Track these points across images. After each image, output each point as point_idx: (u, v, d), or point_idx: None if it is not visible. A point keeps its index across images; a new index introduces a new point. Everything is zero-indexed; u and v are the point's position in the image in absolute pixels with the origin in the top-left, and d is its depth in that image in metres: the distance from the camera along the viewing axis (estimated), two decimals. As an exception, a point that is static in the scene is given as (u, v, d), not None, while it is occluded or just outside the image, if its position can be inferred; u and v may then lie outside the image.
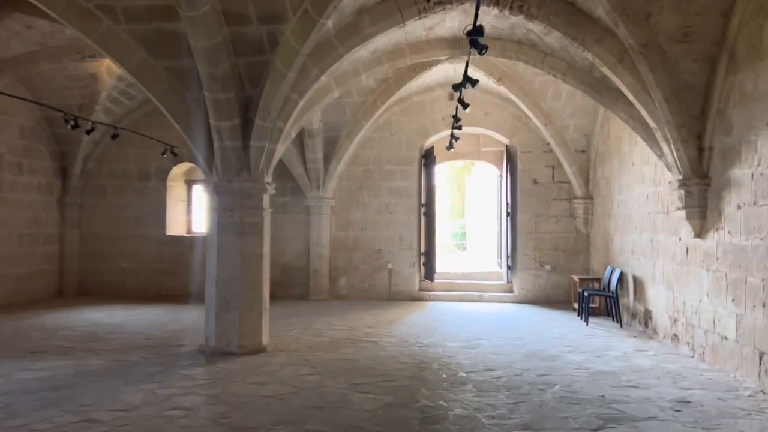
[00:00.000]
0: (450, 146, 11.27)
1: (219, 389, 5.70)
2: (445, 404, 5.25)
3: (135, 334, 8.50)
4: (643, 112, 7.16)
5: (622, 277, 9.58)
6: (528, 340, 8.18)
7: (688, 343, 7.29)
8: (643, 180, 8.90)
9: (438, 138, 12.64)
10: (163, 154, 11.72)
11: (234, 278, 7.21)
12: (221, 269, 7.22)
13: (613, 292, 9.56)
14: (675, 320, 7.71)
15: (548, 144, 11.84)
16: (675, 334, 7.70)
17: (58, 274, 12.56)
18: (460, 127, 10.04)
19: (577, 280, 10.92)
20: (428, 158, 12.67)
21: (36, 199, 11.94)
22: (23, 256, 11.54)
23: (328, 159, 12.05)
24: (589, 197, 11.71)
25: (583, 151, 11.55)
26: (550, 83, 10.63)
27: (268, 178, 7.58)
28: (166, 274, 12.76)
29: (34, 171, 11.84)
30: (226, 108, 6.82)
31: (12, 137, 11.26)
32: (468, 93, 8.58)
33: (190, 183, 13.45)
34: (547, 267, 12.07)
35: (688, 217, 6.97)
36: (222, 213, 7.28)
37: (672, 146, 6.89)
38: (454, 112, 9.04)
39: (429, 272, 12.59)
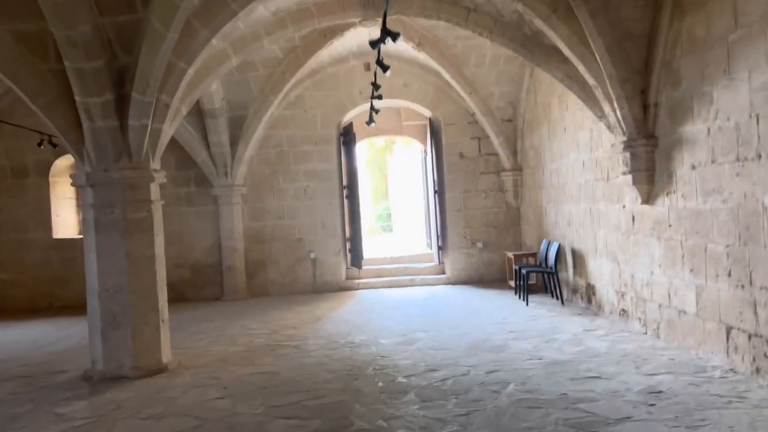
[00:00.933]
0: (370, 120, 10.30)
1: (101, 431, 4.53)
2: (385, 425, 4.32)
3: (8, 360, 7.07)
4: (581, 68, 6.45)
5: (559, 251, 9.00)
6: (468, 327, 7.41)
7: (640, 319, 6.73)
8: (578, 146, 8.28)
9: (357, 113, 11.65)
10: (39, 145, 10.06)
11: (121, 287, 5.97)
12: (104, 277, 5.96)
13: (551, 268, 8.96)
14: (623, 294, 7.14)
15: (473, 114, 11.12)
16: (623, 310, 7.14)
17: None
18: (380, 97, 9.08)
19: (512, 256, 10.29)
20: (347, 136, 11.66)
21: None
22: None
23: (234, 142, 10.79)
24: (518, 169, 11.09)
25: (509, 120, 10.89)
26: (473, 48, 9.85)
27: (156, 164, 6.33)
28: (57, 283, 11.15)
29: None
30: (94, 80, 5.53)
31: None
32: (387, 62, 7.61)
33: (78, 177, 11.79)
34: (479, 244, 11.41)
35: (635, 182, 6.34)
36: (99, 209, 5.99)
37: (615, 104, 6.22)
38: (373, 79, 8.08)
39: (356, 259, 11.65)
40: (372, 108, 10.13)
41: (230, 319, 8.98)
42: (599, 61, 6.06)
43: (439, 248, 11.77)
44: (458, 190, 11.42)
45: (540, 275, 9.90)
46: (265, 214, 11.36)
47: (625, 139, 6.34)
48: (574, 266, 8.69)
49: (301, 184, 11.37)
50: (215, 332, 8.08)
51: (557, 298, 8.86)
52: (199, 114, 10.53)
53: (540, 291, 9.83)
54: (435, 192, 11.84)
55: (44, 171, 11.15)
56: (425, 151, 12.35)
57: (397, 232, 22.46)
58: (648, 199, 6.36)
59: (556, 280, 8.97)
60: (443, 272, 11.71)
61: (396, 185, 23.29)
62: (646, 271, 6.54)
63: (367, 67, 11.08)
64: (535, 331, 7.06)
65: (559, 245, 8.99)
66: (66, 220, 11.57)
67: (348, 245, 11.72)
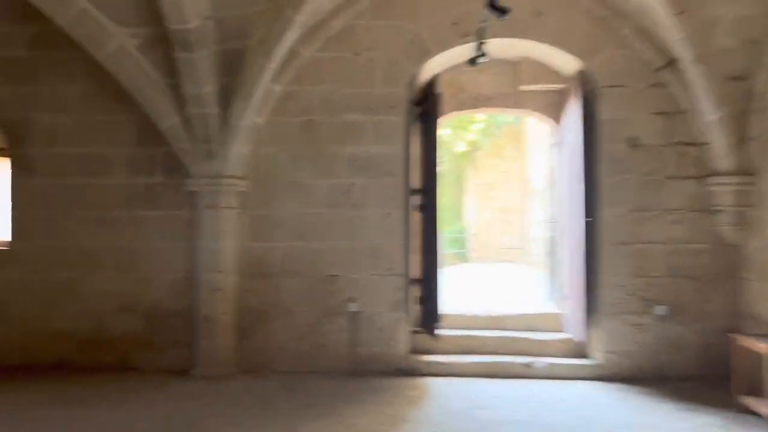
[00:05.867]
0: (475, 59, 5.38)
1: None
2: None
3: None
4: None
5: None
6: None
7: None
8: None
9: (445, 62, 6.72)
10: None
11: None
12: None
13: None
14: None
15: (663, 68, 5.98)
16: None
17: None
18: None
19: (748, 342, 5.01)
20: (426, 103, 6.71)
21: None
22: None
23: (226, 97, 6.07)
24: (746, 172, 5.82)
25: (739, 79, 5.65)
26: None
27: None
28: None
29: None
30: None
31: None
32: None
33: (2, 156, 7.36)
34: (660, 309, 6.15)
35: None
36: None
37: None
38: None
39: (429, 318, 6.62)
40: (479, 45, 5.27)
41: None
42: None
43: (586, 311, 6.52)
44: (623, 206, 6.25)
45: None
46: (276, 229, 6.53)
47: None
48: None
49: (342, 181, 6.49)
50: None
51: None
52: (164, 41, 5.87)
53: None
54: (578, 207, 6.66)
55: (-76, 137, 6.77)
56: (561, 136, 7.20)
57: (478, 261, 17.24)
58: None
59: None
60: (586, 355, 6.50)
61: (482, 194, 18.20)
62: None
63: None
64: None
65: None
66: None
67: (416, 291, 6.75)
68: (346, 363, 6.37)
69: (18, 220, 6.67)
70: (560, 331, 6.84)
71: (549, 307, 7.45)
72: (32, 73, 6.63)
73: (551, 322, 6.97)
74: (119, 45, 5.90)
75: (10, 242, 6.70)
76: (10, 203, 6.71)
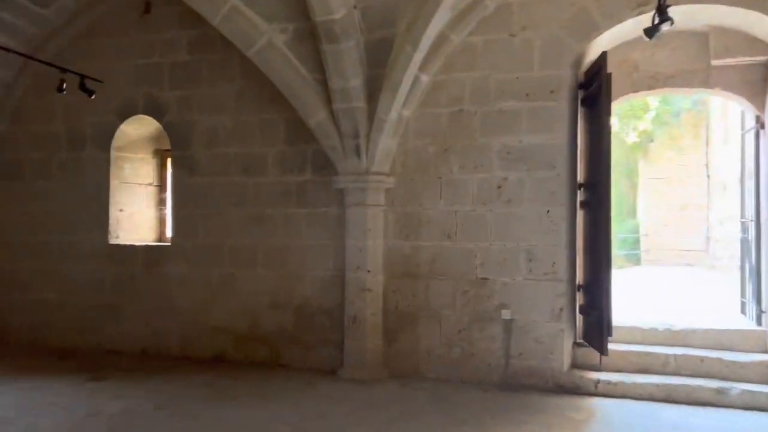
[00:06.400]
0: (654, 29, 4.54)
1: None
2: None
3: None
4: None
5: None
6: None
7: None
8: None
9: (615, 37, 5.88)
10: (59, 90, 6.25)
11: None
12: None
13: None
14: None
15: None
16: None
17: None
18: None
19: None
20: (591, 85, 5.92)
21: None
22: None
23: (373, 90, 5.82)
24: None
25: None
26: None
27: None
28: (109, 312, 7.25)
29: None
30: None
31: None
32: None
33: (164, 155, 7.83)
34: None
35: None
36: None
37: None
38: None
39: (595, 330, 5.83)
40: (662, 7, 4.45)
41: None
42: None
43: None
44: None
45: None
46: (423, 227, 6.15)
47: None
48: None
49: (493, 175, 5.93)
50: None
51: None
52: (311, 35, 5.76)
53: None
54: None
55: (105, 141, 7.34)
56: (761, 120, 5.99)
57: (653, 263, 15.55)
58: None
59: None
60: (796, 381, 5.32)
61: (656, 189, 16.50)
62: None
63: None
64: None
65: None
66: (139, 216, 7.64)
67: (580, 299, 6.00)
68: (498, 375, 5.82)
69: (180, 219, 6.99)
70: (762, 352, 5.67)
71: (745, 323, 6.26)
72: (193, 76, 6.91)
73: (749, 341, 5.81)
74: (268, 41, 5.88)
75: (172, 239, 7.05)
76: (173, 202, 7.06)
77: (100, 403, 5.19)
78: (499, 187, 5.89)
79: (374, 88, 5.79)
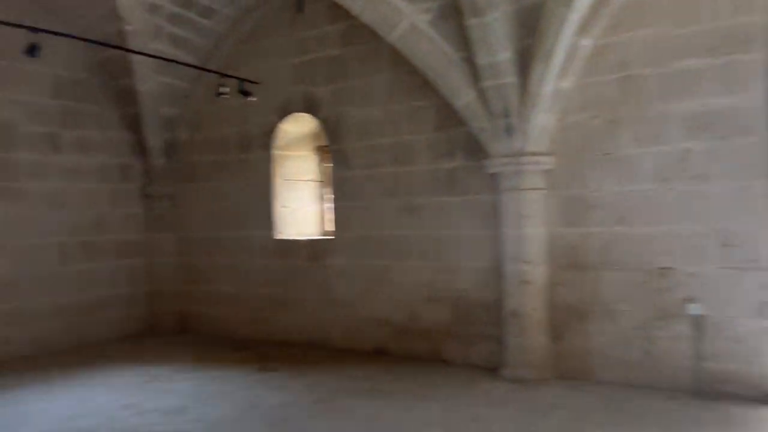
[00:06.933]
0: None
1: None
2: None
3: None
4: None
5: None
6: None
7: None
8: None
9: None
10: (218, 94, 6.57)
11: None
12: None
13: None
14: None
15: None
16: None
17: (145, 302, 8.44)
18: None
19: None
20: (800, 29, 4.79)
21: (95, 189, 7.93)
22: (71, 276, 7.60)
23: (525, 62, 5.28)
24: None
25: None
26: None
27: None
28: (277, 304, 7.57)
29: (86, 146, 7.83)
30: None
31: (39, 95, 7.34)
32: None
33: (324, 151, 7.96)
34: None
35: None
36: None
37: None
38: None
39: (813, 329, 4.75)
40: None
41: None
42: None
43: None
44: None
45: None
46: (591, 211, 5.47)
47: None
48: None
49: (673, 147, 5.07)
50: None
51: None
52: (454, 11, 5.39)
53: None
54: None
55: (268, 140, 7.64)
56: None
57: None
58: None
59: None
60: None
61: None
62: None
63: None
64: None
65: None
66: (301, 212, 7.86)
67: (793, 291, 4.93)
68: (687, 380, 4.98)
69: (338, 212, 7.04)
70: None
71: None
72: (344, 69, 6.89)
73: None
74: (411, 23, 5.63)
75: (332, 232, 7.13)
76: (333, 196, 7.13)
77: (263, 394, 5.35)
78: (682, 161, 5.03)
79: (526, 61, 5.25)
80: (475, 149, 5.92)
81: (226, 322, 7.97)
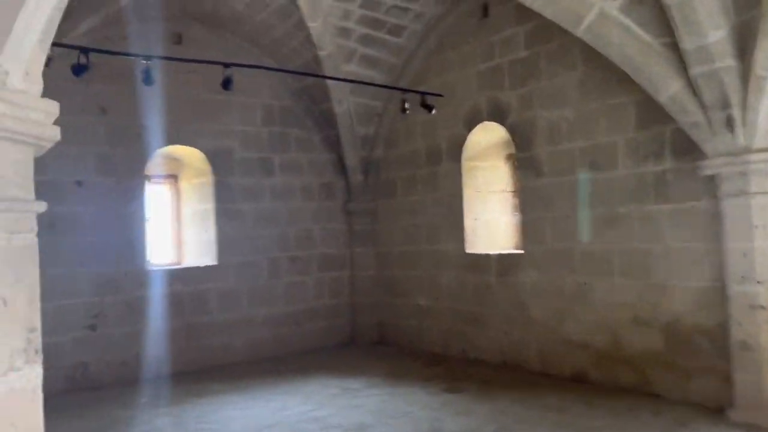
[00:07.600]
0: None
1: None
2: None
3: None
4: None
5: None
6: None
7: None
8: None
9: None
10: (403, 111, 6.54)
11: None
12: None
13: None
14: None
15: None
16: None
17: (347, 314, 8.79)
18: None
19: None
20: None
21: (301, 207, 8.49)
22: (281, 288, 8.21)
23: (744, 41, 4.34)
24: None
25: None
26: None
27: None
28: (470, 320, 7.31)
29: (293, 168, 8.42)
30: None
31: (251, 124, 8.09)
32: None
33: (515, 159, 7.54)
34: None
35: None
36: None
37: None
38: None
39: None
40: None
41: None
42: None
43: None
44: None
45: None
46: None
47: None
48: None
49: None
50: None
51: None
52: (650, -9, 4.66)
53: None
54: None
55: (456, 152, 7.46)
56: None
57: None
58: None
59: None
60: None
61: None
62: None
63: None
64: None
65: None
66: (492, 224, 7.53)
67: None
68: None
69: (528, 224, 6.56)
70: None
71: None
72: (531, 71, 6.43)
73: None
74: (599, 12, 4.98)
75: (522, 245, 6.66)
76: (523, 206, 6.67)
77: (445, 417, 5.12)
78: None
79: (746, 38, 4.32)
80: (686, 148, 5.05)
81: (421, 335, 7.93)
